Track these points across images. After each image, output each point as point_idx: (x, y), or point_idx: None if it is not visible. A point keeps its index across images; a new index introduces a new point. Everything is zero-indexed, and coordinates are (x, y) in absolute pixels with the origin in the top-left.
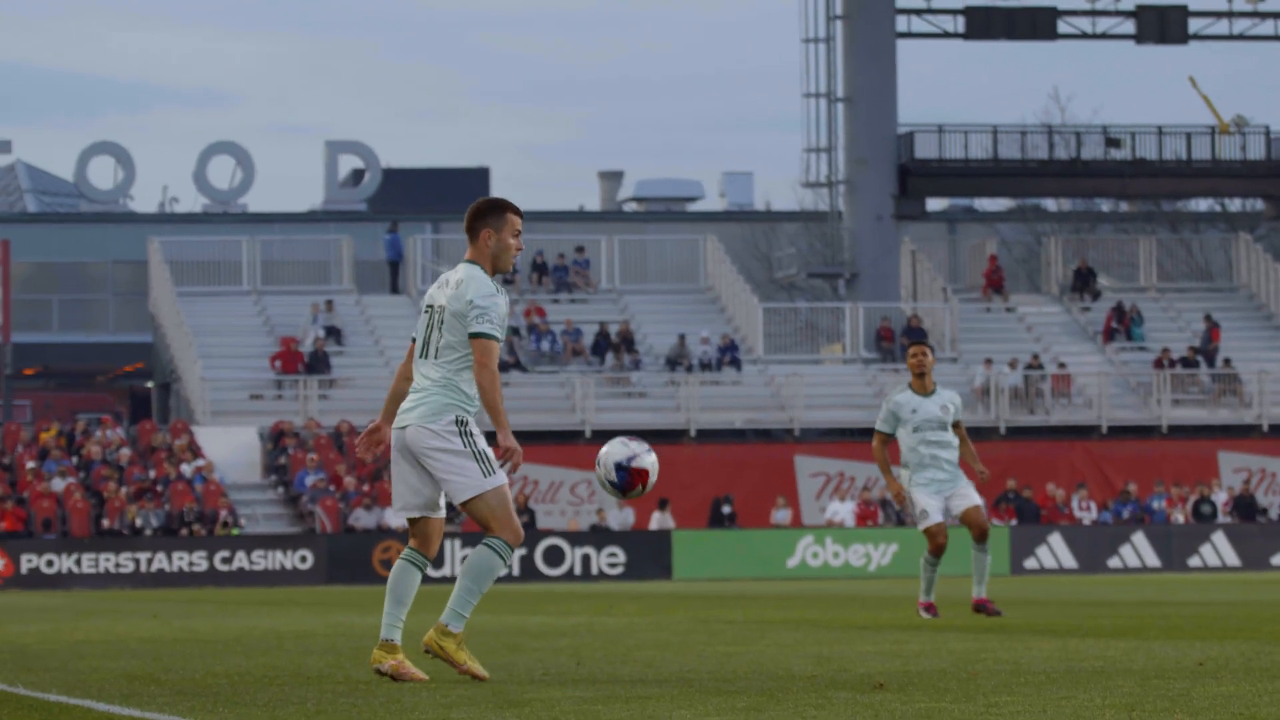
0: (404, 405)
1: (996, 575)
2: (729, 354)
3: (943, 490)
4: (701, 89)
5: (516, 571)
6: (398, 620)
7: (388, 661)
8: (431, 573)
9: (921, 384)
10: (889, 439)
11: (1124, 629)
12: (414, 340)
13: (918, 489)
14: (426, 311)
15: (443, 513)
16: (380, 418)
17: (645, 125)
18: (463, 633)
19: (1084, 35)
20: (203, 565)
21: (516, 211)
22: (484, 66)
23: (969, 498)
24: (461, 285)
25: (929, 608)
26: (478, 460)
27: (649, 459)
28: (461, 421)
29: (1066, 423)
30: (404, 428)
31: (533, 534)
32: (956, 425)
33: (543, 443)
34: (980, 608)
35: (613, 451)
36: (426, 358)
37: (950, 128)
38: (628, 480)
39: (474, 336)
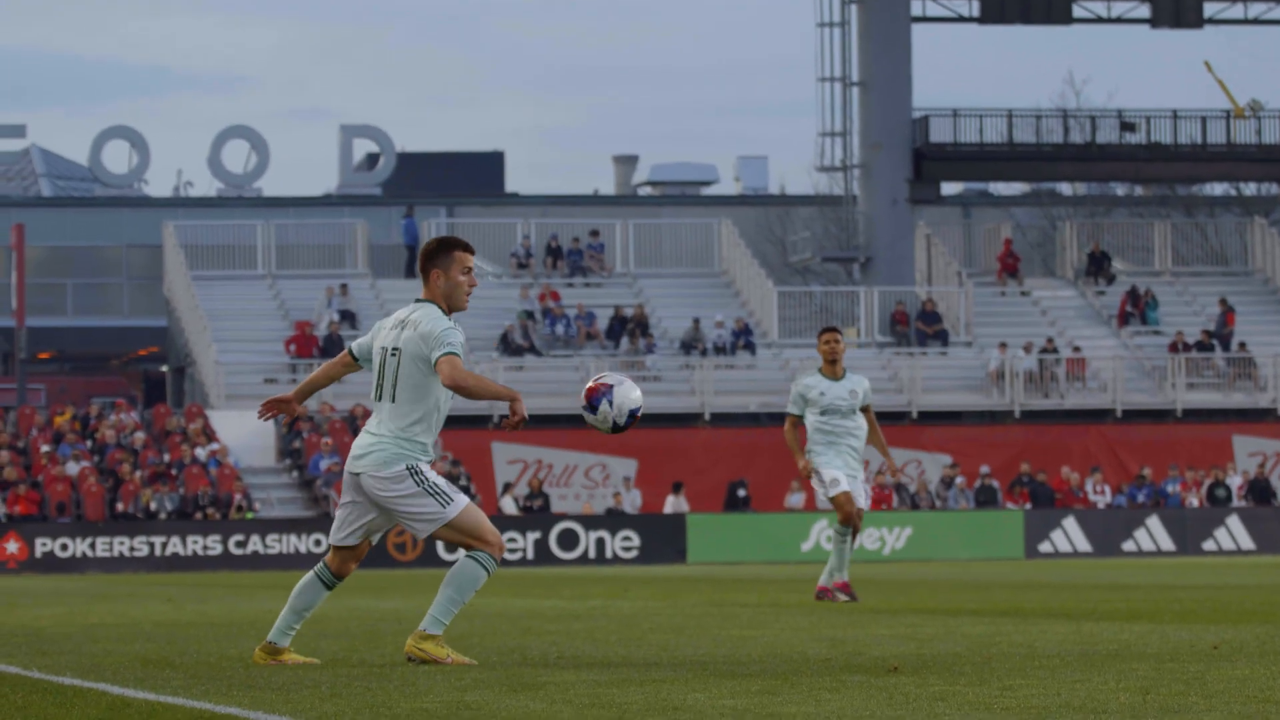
0: (357, 447)
1: (1011, 559)
2: (743, 338)
3: (846, 469)
4: (716, 73)
5: (531, 555)
6: (290, 629)
7: (265, 661)
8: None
9: (832, 369)
10: (799, 421)
11: (1138, 613)
12: (348, 349)
13: (823, 464)
14: (381, 352)
15: (373, 540)
16: (292, 392)
17: (660, 109)
18: (441, 634)
19: (1099, 19)
20: (217, 549)
21: (466, 248)
22: (499, 51)
23: (858, 499)
24: (418, 326)
25: (844, 588)
26: (433, 495)
27: (612, 377)
28: (411, 468)
29: (1081, 406)
30: (357, 474)
31: (547, 518)
32: (866, 410)
33: (556, 426)
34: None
35: (632, 396)
36: (383, 400)
37: (965, 112)
38: (630, 424)
39: (438, 360)
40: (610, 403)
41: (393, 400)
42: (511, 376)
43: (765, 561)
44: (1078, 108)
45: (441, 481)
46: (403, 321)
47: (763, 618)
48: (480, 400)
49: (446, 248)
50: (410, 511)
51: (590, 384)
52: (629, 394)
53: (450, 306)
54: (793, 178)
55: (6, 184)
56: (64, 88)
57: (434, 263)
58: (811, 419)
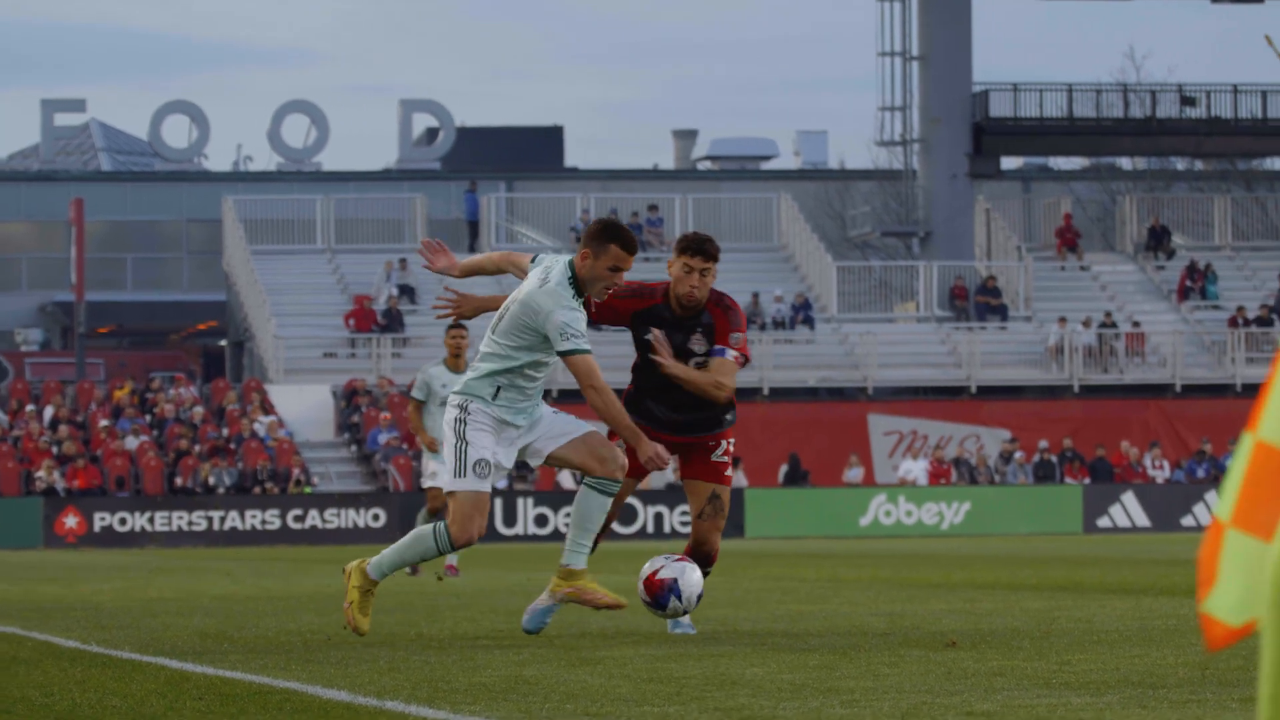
0: None
1: (1069, 534)
2: (802, 312)
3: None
4: (776, 48)
5: None
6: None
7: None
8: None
9: (455, 363)
10: (422, 405)
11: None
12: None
13: (432, 455)
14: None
15: (548, 449)
16: (461, 262)
17: (720, 84)
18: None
19: None
20: (275, 523)
21: (625, 246)
22: (559, 25)
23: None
24: (547, 281)
25: (450, 569)
26: (455, 456)
27: (672, 568)
28: (462, 407)
29: (1140, 381)
30: None
31: None
32: None
33: None
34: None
35: (694, 580)
36: (489, 333)
37: (1025, 86)
38: (657, 594)
39: (565, 355)
40: (679, 596)
41: (492, 332)
42: None
43: (823, 536)
44: (1138, 82)
45: (475, 449)
46: (546, 270)
47: (821, 592)
48: (603, 420)
49: (605, 237)
50: (447, 455)
51: (647, 576)
52: (692, 579)
53: (583, 290)
54: (852, 152)
55: (66, 158)
56: (124, 62)
57: (588, 243)
58: (436, 409)
